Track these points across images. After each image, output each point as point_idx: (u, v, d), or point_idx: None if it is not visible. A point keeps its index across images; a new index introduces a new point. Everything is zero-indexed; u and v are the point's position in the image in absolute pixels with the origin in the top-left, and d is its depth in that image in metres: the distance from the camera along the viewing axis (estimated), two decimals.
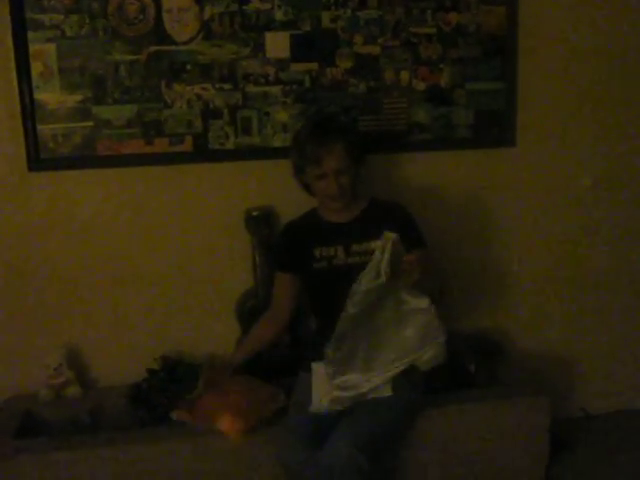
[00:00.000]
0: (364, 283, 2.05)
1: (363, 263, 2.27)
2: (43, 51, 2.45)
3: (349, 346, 2.18)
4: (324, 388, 2.24)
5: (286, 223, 2.50)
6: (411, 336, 2.19)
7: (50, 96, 2.48)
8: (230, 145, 2.60)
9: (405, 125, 2.69)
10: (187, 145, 2.58)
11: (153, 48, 2.49)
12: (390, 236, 2.03)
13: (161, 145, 2.56)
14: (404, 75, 2.66)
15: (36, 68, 2.45)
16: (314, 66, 2.59)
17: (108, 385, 2.68)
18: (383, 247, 2.03)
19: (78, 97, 2.49)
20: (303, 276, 2.42)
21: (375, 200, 2.42)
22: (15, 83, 2.45)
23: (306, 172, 2.31)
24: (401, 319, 2.17)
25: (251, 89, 2.57)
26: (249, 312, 2.61)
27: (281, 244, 2.47)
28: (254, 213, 2.60)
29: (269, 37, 2.55)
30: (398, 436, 2.30)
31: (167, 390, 2.46)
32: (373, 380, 2.21)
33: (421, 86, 2.68)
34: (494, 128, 2.76)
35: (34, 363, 2.59)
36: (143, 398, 2.48)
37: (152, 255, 2.65)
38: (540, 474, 2.55)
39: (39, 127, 2.49)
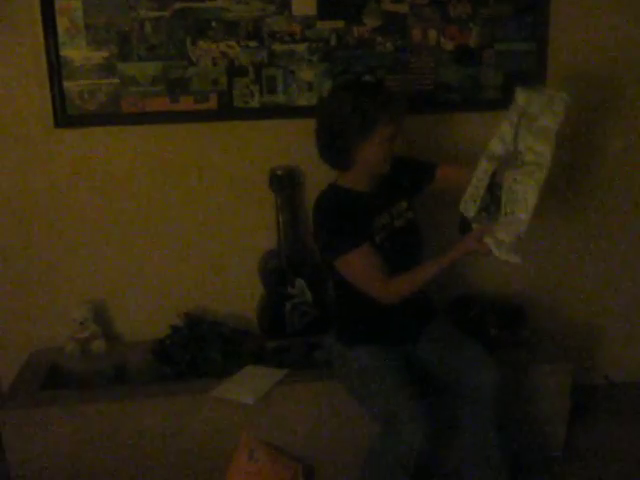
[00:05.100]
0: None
1: (408, 223, 2.28)
2: (69, 7, 2.44)
3: None
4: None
5: (326, 203, 2.24)
6: None
7: (76, 52, 2.48)
8: (255, 103, 2.59)
9: (432, 85, 2.66)
10: (212, 103, 2.57)
11: (178, 5, 2.47)
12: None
13: (186, 103, 2.56)
14: (432, 34, 2.61)
15: (62, 24, 2.45)
16: (341, 24, 2.56)
17: (133, 340, 2.73)
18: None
19: (104, 54, 2.49)
20: None
21: None
22: (41, 39, 2.45)
23: (375, 134, 2.10)
24: None
25: (277, 47, 2.55)
26: (272, 271, 2.63)
27: (340, 224, 2.18)
28: (278, 172, 2.59)
29: None
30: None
31: (189, 346, 2.50)
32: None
33: (449, 46, 2.63)
34: None
35: (61, 317, 2.64)
36: (166, 354, 2.52)
37: (176, 212, 2.66)
38: (560, 440, 2.56)
39: (65, 84, 2.50)
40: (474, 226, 2.07)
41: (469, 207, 2.07)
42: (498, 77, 2.68)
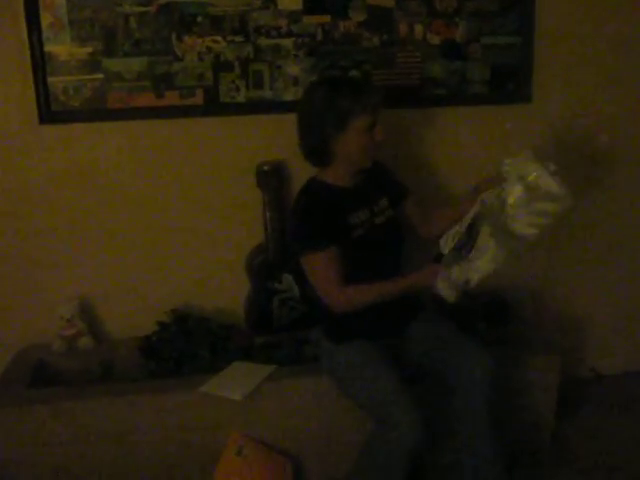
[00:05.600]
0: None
1: (388, 221, 2.28)
2: (53, 2, 2.42)
3: None
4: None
5: (304, 199, 2.26)
6: None
7: (60, 48, 2.46)
8: (241, 98, 2.58)
9: (419, 80, 2.65)
10: (198, 98, 2.56)
11: (163, 0, 2.47)
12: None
13: (172, 98, 2.55)
14: (418, 29, 2.61)
15: (46, 19, 2.43)
16: (327, 19, 2.55)
17: (120, 337, 2.71)
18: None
19: (88, 49, 2.47)
20: (341, 249, 2.19)
21: None
22: (25, 35, 2.43)
23: (350, 126, 2.12)
24: None
25: (262, 42, 2.54)
26: (259, 267, 2.62)
27: (312, 221, 2.20)
28: (265, 168, 2.58)
29: None
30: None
31: (177, 343, 2.49)
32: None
33: (436, 40, 2.63)
34: (510, 84, 2.71)
35: (47, 314, 2.62)
36: (153, 350, 2.51)
37: (162, 208, 2.65)
38: (548, 432, 2.57)
39: (50, 80, 2.48)
40: (443, 262, 2.09)
41: (446, 243, 2.11)
42: (485, 71, 2.69)
